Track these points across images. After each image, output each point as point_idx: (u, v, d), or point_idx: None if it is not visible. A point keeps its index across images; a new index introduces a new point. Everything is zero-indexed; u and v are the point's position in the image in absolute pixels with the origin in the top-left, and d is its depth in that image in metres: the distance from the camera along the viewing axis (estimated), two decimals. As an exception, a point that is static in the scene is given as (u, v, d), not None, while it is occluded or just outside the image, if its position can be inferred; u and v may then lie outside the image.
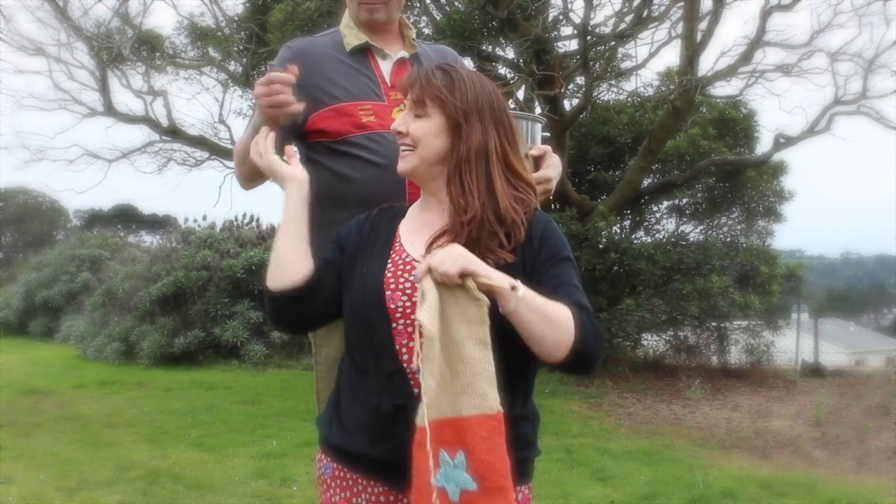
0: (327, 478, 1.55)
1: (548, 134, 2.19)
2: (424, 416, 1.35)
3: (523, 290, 1.32)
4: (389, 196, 1.70)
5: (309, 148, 2.02)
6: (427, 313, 1.33)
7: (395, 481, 1.43)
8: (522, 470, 1.48)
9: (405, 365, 1.42)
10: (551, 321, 1.34)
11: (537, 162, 1.86)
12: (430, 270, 1.33)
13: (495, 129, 1.48)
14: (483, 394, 1.35)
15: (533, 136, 1.90)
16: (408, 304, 1.42)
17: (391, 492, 1.46)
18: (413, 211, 1.56)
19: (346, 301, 1.51)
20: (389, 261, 1.47)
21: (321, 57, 1.97)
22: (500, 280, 1.32)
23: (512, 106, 2.22)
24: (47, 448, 5.46)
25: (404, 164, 1.50)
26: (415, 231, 1.50)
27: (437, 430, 1.35)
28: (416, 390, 1.40)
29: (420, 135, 1.46)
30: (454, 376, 1.37)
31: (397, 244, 1.50)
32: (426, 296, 1.34)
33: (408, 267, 1.45)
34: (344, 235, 1.57)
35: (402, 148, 1.50)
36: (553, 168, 1.87)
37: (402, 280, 1.44)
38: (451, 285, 1.34)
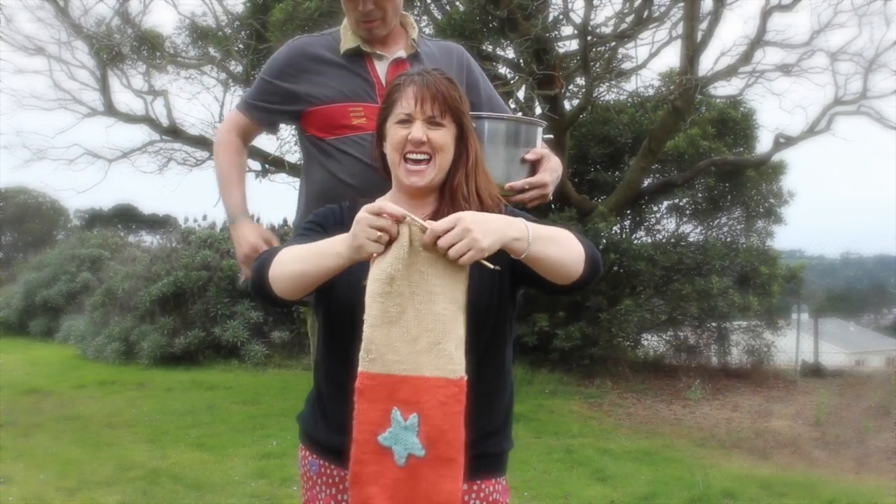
0: (313, 474, 1.57)
1: (550, 136, 2.17)
2: (368, 363, 1.30)
3: (531, 229, 1.36)
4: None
5: (308, 142, 2.03)
6: (386, 266, 1.30)
7: None
8: (496, 463, 1.53)
9: None
10: (561, 243, 1.39)
11: (534, 166, 1.86)
12: (425, 232, 1.31)
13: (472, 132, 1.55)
14: (448, 356, 1.31)
15: (530, 140, 1.88)
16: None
17: None
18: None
19: (330, 301, 1.50)
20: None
21: (318, 58, 1.99)
22: (509, 235, 1.33)
23: (512, 106, 2.22)
24: (47, 448, 5.46)
25: (422, 179, 1.48)
26: None
27: (393, 385, 1.30)
28: None
29: (444, 144, 1.47)
30: (421, 332, 1.32)
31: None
32: (390, 251, 1.31)
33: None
34: (321, 221, 1.57)
35: (416, 157, 1.47)
36: (550, 172, 1.87)
37: None
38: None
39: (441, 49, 2.11)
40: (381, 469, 1.31)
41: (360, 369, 1.32)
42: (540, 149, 1.88)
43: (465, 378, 1.31)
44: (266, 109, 2.08)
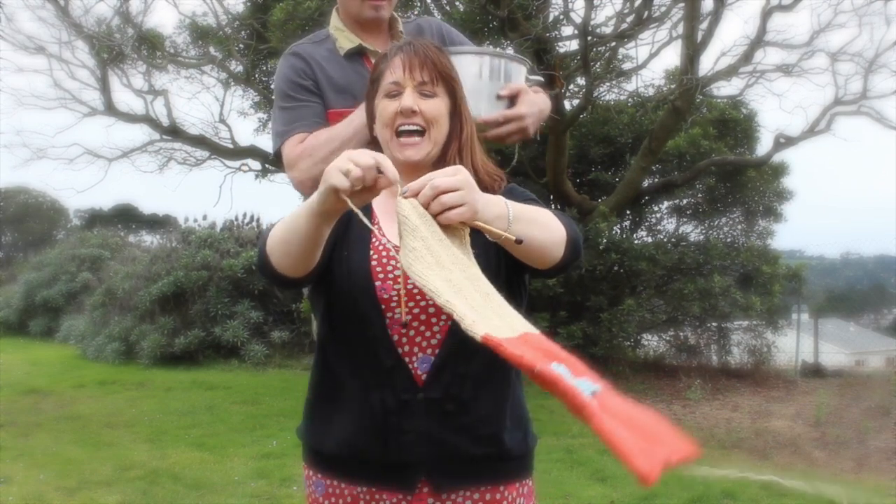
0: (319, 496, 1.42)
1: (540, 78, 2.09)
2: (484, 327, 1.05)
3: (511, 208, 1.22)
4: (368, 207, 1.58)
5: None
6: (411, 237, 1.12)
7: (406, 483, 1.35)
8: (522, 464, 1.44)
9: (405, 357, 1.33)
10: (542, 225, 1.27)
11: (512, 101, 1.80)
12: (413, 195, 1.15)
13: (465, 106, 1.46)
14: (516, 314, 1.14)
15: (511, 77, 1.81)
16: (402, 292, 1.33)
17: (402, 499, 1.36)
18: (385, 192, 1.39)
19: (329, 291, 1.38)
20: (371, 247, 1.36)
21: (324, 60, 1.99)
22: (492, 212, 1.19)
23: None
24: (47, 448, 5.46)
25: (417, 153, 1.37)
26: (391, 214, 1.29)
27: (519, 346, 1.06)
28: (419, 384, 1.33)
29: (437, 115, 1.37)
30: (485, 295, 1.16)
31: (376, 228, 1.39)
32: (406, 221, 1.13)
33: (392, 254, 1.34)
34: None
35: (409, 128, 1.36)
36: (528, 105, 1.79)
37: (389, 268, 1.34)
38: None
39: (415, 29, 2.06)
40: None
41: (493, 336, 1.04)
42: (518, 84, 1.81)
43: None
44: (309, 113, 1.93)
